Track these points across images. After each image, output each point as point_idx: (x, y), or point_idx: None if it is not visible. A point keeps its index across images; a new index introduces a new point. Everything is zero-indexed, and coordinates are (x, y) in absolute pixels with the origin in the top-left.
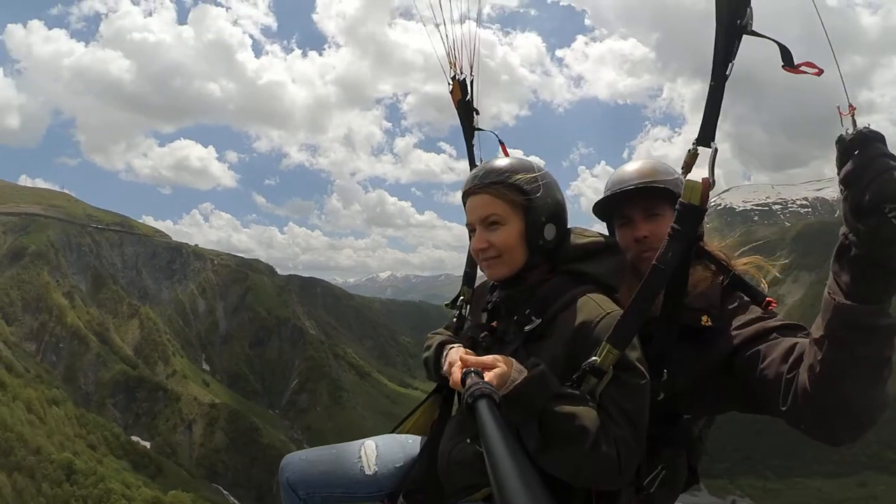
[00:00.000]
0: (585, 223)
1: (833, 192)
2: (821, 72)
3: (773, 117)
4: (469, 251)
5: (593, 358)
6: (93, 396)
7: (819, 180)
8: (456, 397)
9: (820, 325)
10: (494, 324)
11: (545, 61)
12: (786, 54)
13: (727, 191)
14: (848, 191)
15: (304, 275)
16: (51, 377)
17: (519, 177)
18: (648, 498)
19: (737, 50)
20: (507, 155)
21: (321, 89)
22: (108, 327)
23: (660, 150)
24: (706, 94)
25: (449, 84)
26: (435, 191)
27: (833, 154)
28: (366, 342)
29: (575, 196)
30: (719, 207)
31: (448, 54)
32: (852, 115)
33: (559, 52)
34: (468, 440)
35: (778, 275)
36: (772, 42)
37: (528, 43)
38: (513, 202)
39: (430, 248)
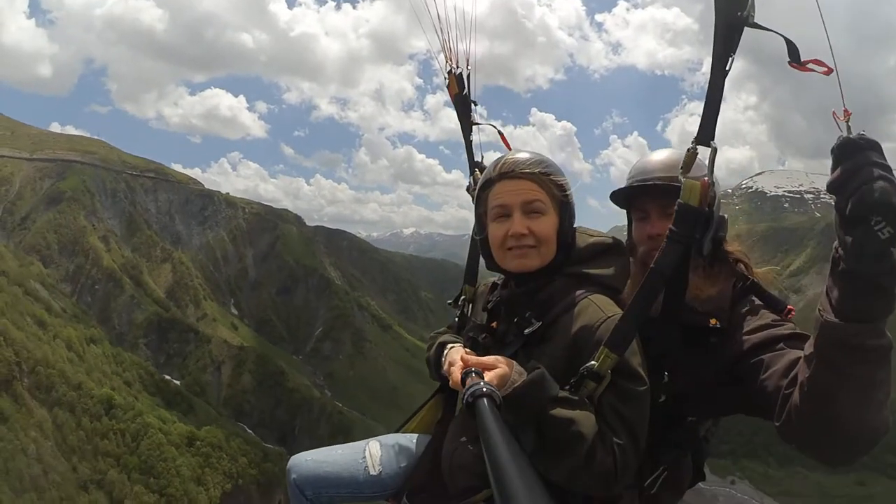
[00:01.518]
0: None
1: None
2: (830, 71)
3: (814, 103)
4: (474, 246)
5: (591, 362)
6: (126, 336)
7: None
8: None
9: (811, 343)
10: (495, 324)
11: (584, 25)
12: (792, 50)
13: (760, 174)
14: (835, 199)
15: (329, 226)
16: (87, 318)
17: (559, 176)
18: (651, 499)
19: (737, 43)
20: (508, 147)
21: (354, 43)
22: (142, 270)
23: (694, 126)
24: (708, 86)
25: (445, 78)
26: (464, 150)
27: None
28: (388, 295)
29: (605, 165)
30: (750, 190)
31: (444, 48)
32: (847, 121)
33: (599, 17)
34: (468, 443)
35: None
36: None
37: (568, 5)
38: (553, 196)
39: (455, 207)
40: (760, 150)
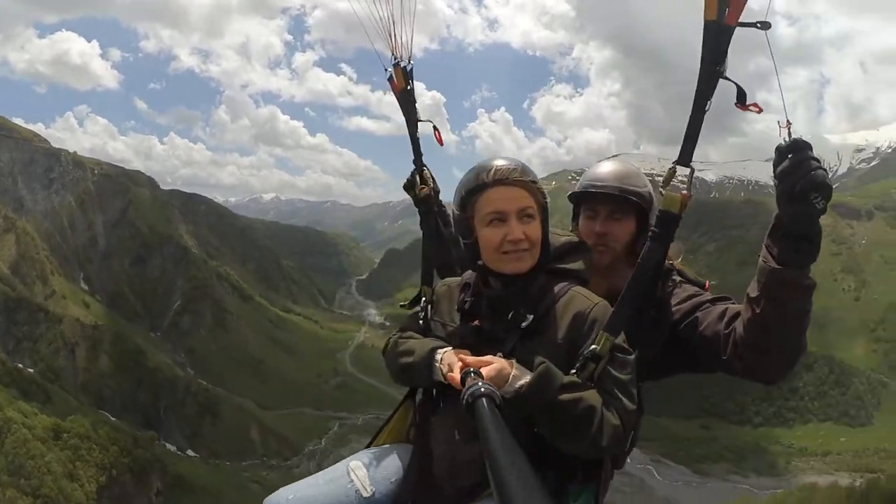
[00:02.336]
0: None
1: (713, 174)
2: (761, 110)
3: (674, 96)
4: (427, 246)
5: (593, 346)
6: None
7: (703, 162)
8: (422, 396)
9: (755, 287)
10: (477, 323)
11: None
12: (741, 95)
13: (616, 156)
14: (782, 183)
15: (185, 190)
16: None
17: (540, 183)
18: (620, 455)
19: (714, 90)
20: (440, 142)
21: None
22: None
23: (560, 107)
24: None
25: (387, 70)
26: (330, 114)
27: (719, 142)
28: (249, 264)
29: (471, 137)
30: None
31: (390, 39)
32: (788, 129)
33: None
34: (464, 441)
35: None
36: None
37: None
38: (539, 202)
39: (319, 172)
40: (619, 135)
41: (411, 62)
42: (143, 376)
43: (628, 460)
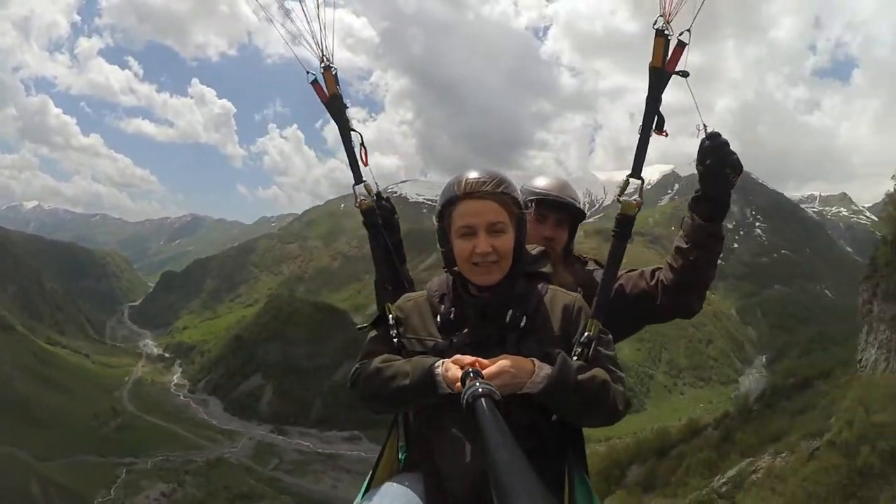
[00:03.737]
0: (268, 179)
1: None
2: (667, 135)
3: (462, 129)
4: (379, 261)
5: (587, 333)
6: None
7: None
8: (418, 417)
9: (684, 241)
10: (465, 331)
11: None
12: (660, 124)
13: (405, 182)
14: (709, 160)
15: None
16: None
17: (517, 193)
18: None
19: (654, 120)
20: (366, 162)
21: None
22: None
23: (355, 127)
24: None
25: (311, 74)
26: (107, 112)
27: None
28: (8, 287)
29: (260, 153)
30: (395, 195)
31: (315, 38)
32: (704, 127)
33: (289, 4)
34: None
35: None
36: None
37: None
38: (512, 213)
39: (89, 179)
40: (408, 161)
41: (334, 66)
42: None
43: None
